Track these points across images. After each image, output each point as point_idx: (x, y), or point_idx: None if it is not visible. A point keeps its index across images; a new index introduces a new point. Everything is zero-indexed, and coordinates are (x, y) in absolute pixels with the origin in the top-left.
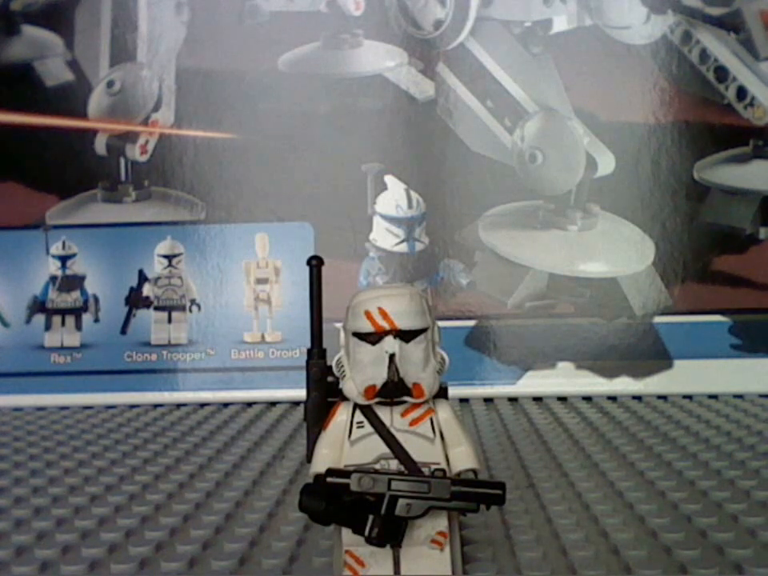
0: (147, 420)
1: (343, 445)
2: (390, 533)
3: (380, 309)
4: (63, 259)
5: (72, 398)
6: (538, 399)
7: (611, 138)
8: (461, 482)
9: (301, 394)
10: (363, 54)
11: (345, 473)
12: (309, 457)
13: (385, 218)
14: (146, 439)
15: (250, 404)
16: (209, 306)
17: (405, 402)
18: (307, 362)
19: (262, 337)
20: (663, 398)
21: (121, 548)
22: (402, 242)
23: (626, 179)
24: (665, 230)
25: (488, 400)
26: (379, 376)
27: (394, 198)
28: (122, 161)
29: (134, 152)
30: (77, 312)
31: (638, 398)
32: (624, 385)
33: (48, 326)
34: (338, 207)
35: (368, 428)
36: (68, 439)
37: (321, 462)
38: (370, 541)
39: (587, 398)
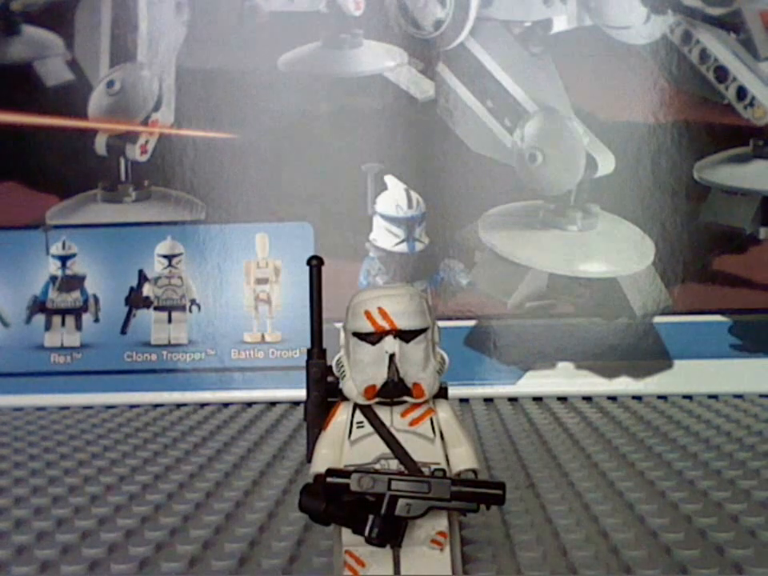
0: (147, 420)
1: (343, 445)
2: (390, 533)
3: (380, 309)
4: (63, 259)
5: (72, 398)
6: (538, 399)
7: (611, 137)
8: (461, 482)
9: (301, 394)
10: (363, 54)
11: (345, 473)
12: (309, 457)
13: (385, 217)
14: (146, 439)
15: (249, 404)
16: (209, 306)
17: (405, 401)
18: (307, 361)
19: (262, 337)
20: (663, 397)
21: (121, 548)
22: (402, 241)
23: (626, 179)
24: (665, 230)
25: (488, 400)
26: (379, 376)
27: (394, 198)
28: (122, 161)
29: (134, 152)
30: (77, 312)
31: (638, 398)
32: (624, 385)
33: (48, 326)
34: (338, 207)
35: (368, 428)
36: (68, 439)
37: (321, 462)
38: (369, 541)
39: (587, 398)
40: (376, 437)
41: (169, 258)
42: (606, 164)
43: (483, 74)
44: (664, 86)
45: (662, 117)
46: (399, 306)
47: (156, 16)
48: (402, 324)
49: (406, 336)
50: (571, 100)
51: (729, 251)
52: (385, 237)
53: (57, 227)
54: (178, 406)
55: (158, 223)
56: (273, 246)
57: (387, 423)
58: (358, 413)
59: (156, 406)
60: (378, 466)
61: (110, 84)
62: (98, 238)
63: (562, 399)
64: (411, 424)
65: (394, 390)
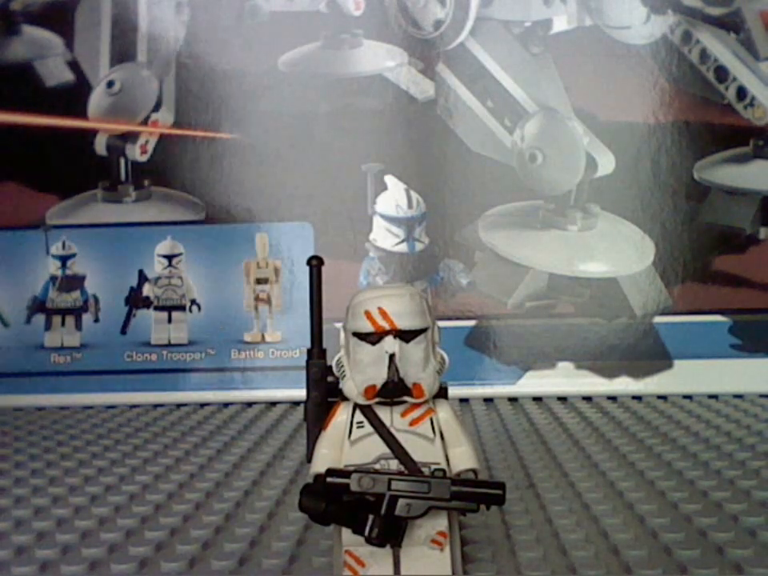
0: (147, 420)
1: (343, 445)
2: (390, 533)
3: (380, 309)
4: (63, 259)
5: (72, 397)
6: (537, 399)
7: (611, 138)
8: (461, 482)
9: (301, 393)
10: (363, 54)
11: (345, 473)
12: (309, 457)
13: (385, 217)
14: (146, 439)
15: (249, 404)
16: (209, 306)
17: (405, 402)
18: (307, 361)
19: (262, 337)
20: (663, 397)
21: (121, 548)
22: (402, 242)
23: (626, 179)
24: (665, 230)
25: (488, 400)
26: (379, 376)
27: (394, 197)
28: (122, 161)
29: (134, 152)
30: (77, 312)
31: (638, 398)
32: (624, 385)
33: (48, 326)
34: (338, 207)
35: (368, 428)
36: (68, 439)
37: (321, 462)
38: (369, 541)
39: (587, 398)
40: (376, 437)
41: (169, 258)
42: (606, 164)
43: (483, 74)
44: (664, 85)
45: (662, 117)
46: (399, 306)
47: (156, 16)
48: (402, 324)
49: (406, 336)
50: (571, 100)
51: (729, 251)
52: (385, 237)
53: (57, 227)
54: (178, 405)
55: (158, 223)
56: (273, 245)
57: (387, 423)
58: (357, 413)
59: (156, 405)
60: (378, 466)
61: (110, 84)
62: (98, 238)
63: (562, 399)
64: (411, 424)
65: (394, 390)
